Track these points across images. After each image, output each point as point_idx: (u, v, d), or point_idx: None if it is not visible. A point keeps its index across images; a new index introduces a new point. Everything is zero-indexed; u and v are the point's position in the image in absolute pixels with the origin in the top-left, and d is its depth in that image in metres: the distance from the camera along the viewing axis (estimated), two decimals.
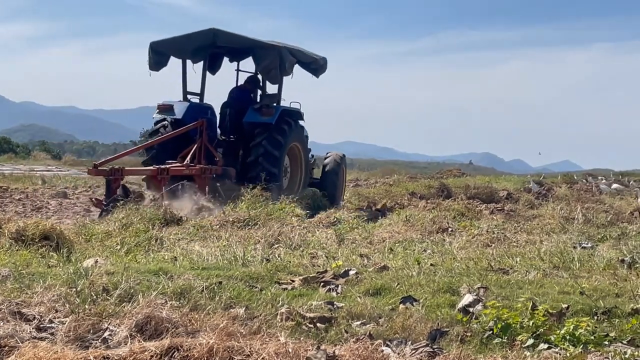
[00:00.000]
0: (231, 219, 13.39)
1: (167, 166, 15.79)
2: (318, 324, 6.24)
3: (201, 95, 18.98)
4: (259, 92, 19.17)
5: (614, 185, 27.11)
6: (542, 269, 9.25)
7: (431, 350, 5.58)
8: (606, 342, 5.76)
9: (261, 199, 14.81)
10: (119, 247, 10.76)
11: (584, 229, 14.08)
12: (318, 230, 13.12)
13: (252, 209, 14.55)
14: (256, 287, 7.59)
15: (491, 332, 5.98)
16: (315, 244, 11.59)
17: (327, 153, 20.48)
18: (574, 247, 11.46)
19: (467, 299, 6.89)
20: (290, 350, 5.07)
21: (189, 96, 18.72)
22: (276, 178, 17.19)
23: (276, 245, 11.10)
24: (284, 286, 7.78)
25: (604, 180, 30.20)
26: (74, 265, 8.23)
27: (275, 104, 18.48)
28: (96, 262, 8.67)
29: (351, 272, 8.36)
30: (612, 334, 5.96)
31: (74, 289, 6.72)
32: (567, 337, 5.72)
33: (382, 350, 5.51)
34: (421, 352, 5.55)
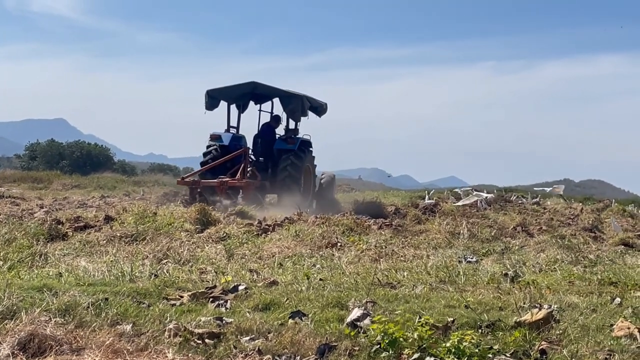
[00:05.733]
0: (119, 234, 13.18)
1: (227, 179, 22.33)
2: (207, 340, 6.20)
3: (237, 128, 25.39)
4: (281, 126, 25.59)
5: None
6: (428, 283, 9.41)
7: None
8: (490, 355, 5.88)
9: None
10: (1, 263, 10.44)
11: (469, 244, 14.42)
12: (207, 246, 13.03)
13: (140, 224, 14.36)
14: (144, 303, 7.48)
15: (378, 346, 6.05)
16: (205, 259, 11.51)
17: (322, 173, 26.96)
18: (460, 262, 11.71)
19: (355, 313, 6.95)
20: None
21: (231, 129, 25.22)
22: (298, 181, 23.84)
23: (165, 261, 10.98)
24: (172, 302, 7.70)
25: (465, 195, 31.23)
26: None
27: (295, 136, 24.77)
28: None
29: (240, 288, 8.34)
30: (496, 347, 6.10)
31: None
32: (453, 350, 5.82)
33: None
34: None
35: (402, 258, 12.42)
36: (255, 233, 14.95)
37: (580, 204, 32.62)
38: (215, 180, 22.40)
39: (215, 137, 24.42)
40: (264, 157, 25.18)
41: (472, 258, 12.38)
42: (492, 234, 16.56)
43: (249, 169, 24.10)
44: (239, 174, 22.81)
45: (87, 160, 63.28)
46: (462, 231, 16.13)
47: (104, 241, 12.79)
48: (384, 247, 13.39)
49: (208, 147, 24.51)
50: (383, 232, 16.06)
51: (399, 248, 13.59)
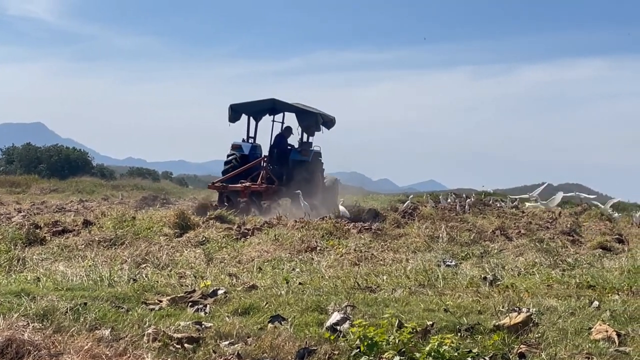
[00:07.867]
0: (97, 239, 13.12)
1: (249, 184, 24.66)
2: (186, 345, 6.18)
3: (254, 137, 27.78)
4: (292, 136, 28.13)
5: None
6: (408, 287, 9.41)
7: None
8: (469, 358, 5.90)
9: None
10: None
11: (448, 248, 14.43)
12: (186, 250, 12.99)
13: (119, 228, 14.30)
14: (122, 308, 7.45)
15: (358, 349, 6.04)
16: (184, 263, 11.48)
17: (325, 176, 28.91)
18: (439, 265, 11.73)
19: (335, 317, 6.95)
20: None
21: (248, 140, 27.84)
22: (310, 188, 25.22)
23: (143, 265, 10.95)
24: (151, 306, 7.67)
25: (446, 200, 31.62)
26: None
27: (309, 149, 27.55)
28: None
29: (220, 292, 8.32)
30: (475, 350, 6.11)
31: None
32: (432, 354, 5.83)
33: None
34: None
35: (381, 262, 12.43)
36: (234, 237, 14.93)
37: (559, 207, 32.77)
38: (239, 185, 24.77)
39: (236, 147, 27.07)
40: (278, 165, 27.28)
41: (451, 262, 12.40)
42: (471, 237, 16.59)
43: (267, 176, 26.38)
44: (259, 180, 25.26)
45: (65, 164, 62.86)
46: (441, 235, 16.15)
47: (83, 246, 12.74)
48: (363, 251, 13.40)
49: (229, 155, 26.99)
50: (362, 236, 16.06)
51: (379, 252, 13.60)
